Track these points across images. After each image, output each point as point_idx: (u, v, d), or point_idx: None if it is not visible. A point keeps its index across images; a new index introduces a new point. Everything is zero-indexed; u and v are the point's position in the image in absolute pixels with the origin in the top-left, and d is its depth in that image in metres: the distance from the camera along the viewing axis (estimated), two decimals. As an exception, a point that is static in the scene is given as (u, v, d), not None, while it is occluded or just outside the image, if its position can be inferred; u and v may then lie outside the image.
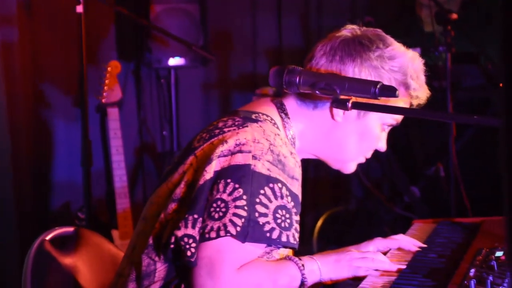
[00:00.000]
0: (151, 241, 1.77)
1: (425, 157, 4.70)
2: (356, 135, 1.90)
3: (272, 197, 1.71)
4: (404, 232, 2.23)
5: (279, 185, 1.72)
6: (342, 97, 1.79)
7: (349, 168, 1.96)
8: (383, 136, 1.96)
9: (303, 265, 1.75)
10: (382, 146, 1.96)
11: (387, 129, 1.97)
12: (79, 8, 3.48)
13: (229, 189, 1.68)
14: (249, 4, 4.90)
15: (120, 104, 3.91)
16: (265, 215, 1.69)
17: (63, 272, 2.04)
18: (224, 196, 1.68)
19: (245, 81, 4.87)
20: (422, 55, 4.10)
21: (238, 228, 1.66)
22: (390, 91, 1.77)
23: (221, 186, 1.69)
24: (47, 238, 2.03)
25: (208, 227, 1.67)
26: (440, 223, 2.29)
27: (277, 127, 1.85)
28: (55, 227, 2.13)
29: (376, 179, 4.81)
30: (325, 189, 4.94)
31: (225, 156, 1.72)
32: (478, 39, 4.02)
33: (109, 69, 3.87)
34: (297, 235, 1.76)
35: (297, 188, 1.78)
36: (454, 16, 3.83)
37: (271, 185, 1.71)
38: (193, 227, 1.68)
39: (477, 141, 4.26)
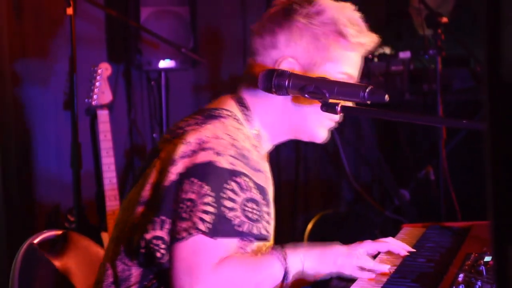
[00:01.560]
0: (122, 247, 1.78)
1: (415, 160, 4.70)
2: (313, 105, 1.87)
3: (238, 191, 1.71)
4: (394, 236, 2.23)
5: (245, 178, 1.72)
6: (331, 101, 1.79)
7: (320, 136, 1.94)
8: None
9: (285, 257, 1.75)
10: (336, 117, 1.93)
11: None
12: (69, 10, 3.47)
13: (195, 188, 1.68)
14: (239, 6, 4.90)
15: (110, 107, 3.89)
16: (233, 209, 1.69)
17: (51, 275, 2.03)
18: (191, 196, 1.68)
19: (236, 83, 4.86)
20: (413, 58, 4.15)
21: (208, 225, 1.66)
22: (379, 95, 1.77)
23: (187, 186, 1.69)
24: (35, 241, 2.02)
25: (179, 228, 1.67)
26: (429, 228, 2.28)
27: (240, 122, 1.85)
28: (44, 229, 2.12)
29: (366, 182, 4.82)
30: (315, 192, 4.94)
31: (188, 156, 1.72)
32: (467, 42, 4.03)
33: (99, 71, 3.86)
34: (269, 227, 1.77)
35: (263, 181, 1.78)
36: (444, 19, 3.84)
37: (236, 178, 1.71)
38: (161, 228, 1.69)
39: (468, 144, 4.27)
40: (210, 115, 1.82)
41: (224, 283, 1.68)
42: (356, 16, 1.91)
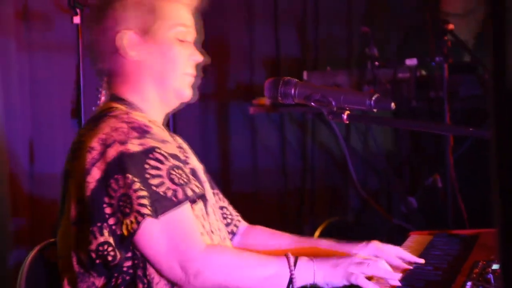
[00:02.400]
0: (77, 270, 1.80)
1: (423, 167, 4.69)
2: (158, 59, 1.91)
3: (158, 165, 1.75)
4: (401, 243, 2.23)
5: (158, 150, 1.76)
6: (337, 109, 1.79)
7: (183, 94, 1.96)
8: (188, 47, 1.96)
9: (295, 263, 1.75)
10: (196, 56, 1.96)
11: (187, 37, 1.96)
12: (76, 19, 3.48)
13: (121, 183, 1.71)
14: (246, 15, 4.91)
15: (117, 115, 3.90)
16: (162, 183, 1.73)
17: (58, 283, 2.03)
18: (122, 191, 1.71)
19: (242, 91, 4.87)
20: (419, 65, 4.14)
21: (149, 207, 1.70)
22: (385, 103, 1.77)
23: (114, 186, 1.72)
24: (43, 249, 2.03)
25: (128, 223, 1.70)
26: (436, 235, 2.28)
27: (127, 110, 1.87)
28: (50, 237, 2.12)
29: (373, 190, 4.80)
30: (322, 200, 4.94)
31: (97, 160, 1.74)
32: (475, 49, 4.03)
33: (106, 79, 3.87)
34: (198, 183, 1.82)
35: (173, 149, 1.82)
36: (451, 26, 3.84)
37: (151, 155, 1.75)
38: (102, 234, 1.72)
39: (475, 152, 4.25)
40: (99, 117, 1.84)
41: (212, 262, 1.73)
42: None
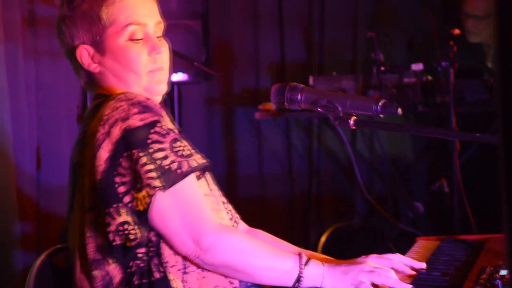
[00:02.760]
0: (92, 257, 1.80)
1: (429, 172, 4.69)
2: (117, 65, 1.90)
3: (161, 138, 1.75)
4: (408, 249, 2.22)
5: (159, 124, 1.76)
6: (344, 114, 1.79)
7: (155, 91, 1.92)
8: (150, 40, 1.91)
9: (306, 263, 1.76)
10: (156, 49, 1.91)
11: (143, 34, 1.91)
12: (82, 25, 3.49)
13: (129, 159, 1.73)
14: (252, 19, 4.91)
15: (123, 120, 3.90)
16: (165, 157, 1.74)
17: (65, 289, 2.03)
18: (132, 168, 1.72)
19: (248, 96, 4.87)
20: (425, 70, 4.14)
21: (158, 180, 1.71)
22: (392, 109, 1.77)
23: (124, 164, 1.73)
24: (50, 254, 2.03)
25: (141, 198, 1.72)
26: (443, 241, 2.27)
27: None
28: (58, 242, 2.13)
29: (380, 194, 4.80)
30: (328, 205, 4.93)
31: (103, 141, 1.75)
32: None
33: (112, 85, 3.87)
34: (202, 155, 1.82)
35: (171, 124, 1.82)
36: (457, 31, 3.84)
37: (153, 130, 1.75)
38: (119, 214, 1.72)
39: (481, 156, 4.25)
40: (97, 104, 1.86)
41: (225, 241, 1.75)
42: None
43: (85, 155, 1.81)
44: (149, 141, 1.73)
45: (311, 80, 4.40)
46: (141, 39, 1.89)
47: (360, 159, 4.67)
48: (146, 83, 1.90)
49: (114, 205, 1.73)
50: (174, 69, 4.35)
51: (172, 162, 1.74)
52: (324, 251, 4.63)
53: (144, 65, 1.89)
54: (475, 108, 4.21)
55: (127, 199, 1.73)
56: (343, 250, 4.61)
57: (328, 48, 4.88)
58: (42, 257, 2.00)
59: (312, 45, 4.90)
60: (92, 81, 1.94)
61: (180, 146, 1.77)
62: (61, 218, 4.26)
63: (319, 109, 1.81)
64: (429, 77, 4.24)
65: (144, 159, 1.72)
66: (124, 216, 1.73)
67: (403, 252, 2.23)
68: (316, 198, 4.89)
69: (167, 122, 1.80)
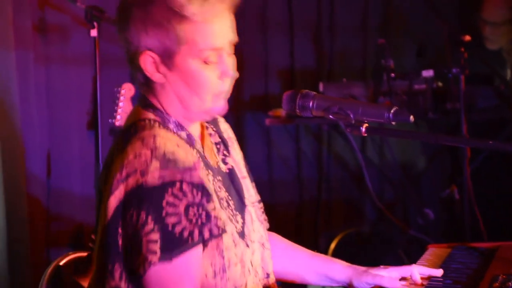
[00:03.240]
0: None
1: (440, 179, 4.68)
2: (183, 84, 1.80)
3: (176, 201, 1.67)
4: (418, 255, 2.22)
5: (178, 185, 1.68)
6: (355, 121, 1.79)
7: (214, 111, 1.88)
8: (224, 64, 1.82)
9: None
10: (228, 73, 1.83)
11: (217, 58, 1.81)
12: (93, 32, 3.50)
13: (134, 219, 1.66)
14: (261, 26, 4.91)
15: (133, 127, 3.90)
16: (179, 222, 1.67)
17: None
18: (134, 228, 1.66)
19: (258, 102, 4.87)
20: (436, 76, 4.13)
21: (158, 253, 1.65)
22: (404, 116, 1.77)
23: (128, 219, 1.68)
24: (61, 263, 2.03)
25: (136, 263, 1.67)
26: (455, 248, 2.26)
27: (156, 125, 1.78)
28: (68, 249, 2.13)
29: (390, 201, 4.79)
30: (338, 211, 4.92)
31: (117, 187, 1.70)
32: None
33: (122, 91, 3.87)
34: (220, 222, 1.73)
35: (199, 177, 1.72)
36: (468, 37, 3.83)
37: (170, 190, 1.67)
38: (121, 278, 1.69)
39: (492, 163, 4.24)
40: (128, 136, 1.77)
41: None
42: None
43: (102, 191, 1.77)
44: (163, 203, 1.66)
45: (321, 87, 4.39)
46: (215, 62, 1.81)
47: (370, 165, 4.66)
48: (208, 106, 1.84)
49: (116, 263, 1.69)
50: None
51: (184, 229, 1.67)
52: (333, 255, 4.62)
53: (212, 88, 1.82)
54: (486, 115, 4.20)
55: (123, 255, 1.69)
56: (353, 257, 4.59)
57: (338, 54, 4.88)
58: (52, 266, 2.00)
59: (322, 51, 4.90)
60: (149, 86, 1.83)
61: (195, 212, 1.68)
62: (71, 223, 4.27)
63: (330, 116, 1.81)
64: (440, 84, 4.24)
65: (150, 226, 1.65)
66: (117, 281, 1.69)
67: (414, 259, 2.23)
68: (325, 205, 4.89)
69: (193, 176, 1.70)
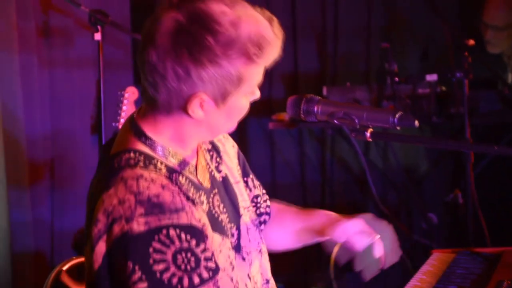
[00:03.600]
0: None
1: (443, 183, 4.67)
2: (224, 118, 1.77)
3: (163, 248, 1.61)
4: (421, 259, 2.22)
5: (164, 231, 1.61)
6: (360, 126, 1.79)
7: (227, 130, 1.87)
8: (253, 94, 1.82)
9: None
10: (254, 96, 1.82)
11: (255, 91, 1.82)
12: (97, 36, 3.50)
13: (121, 268, 1.62)
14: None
15: (137, 130, 3.90)
16: (167, 269, 1.61)
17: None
18: (122, 277, 1.62)
19: (261, 106, 4.87)
20: (440, 81, 4.12)
21: None
22: (409, 121, 1.76)
23: (116, 269, 1.63)
24: (64, 268, 2.03)
25: None
26: (459, 253, 2.26)
27: (143, 159, 1.72)
28: (71, 253, 2.13)
29: (393, 205, 4.78)
30: (341, 215, 4.91)
31: (104, 233, 1.65)
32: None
33: (126, 95, 3.88)
34: (210, 264, 1.66)
35: (187, 217, 1.66)
36: (471, 42, 3.83)
37: (156, 237, 1.61)
38: None
39: (496, 168, 4.23)
40: (111, 174, 1.70)
41: None
42: (256, 28, 1.74)
43: (87, 233, 1.72)
44: (150, 250, 1.61)
45: (324, 91, 4.39)
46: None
47: (373, 169, 4.66)
48: (229, 131, 1.85)
49: None
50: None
51: (173, 275, 1.61)
52: (337, 262, 4.61)
53: (239, 117, 1.82)
54: (490, 119, 4.20)
55: None
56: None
57: (342, 58, 4.87)
58: (56, 270, 2.01)
59: (326, 55, 4.90)
60: (164, 113, 1.75)
61: (184, 258, 1.62)
62: (76, 229, 4.27)
63: (335, 121, 1.80)
64: (443, 88, 4.24)
65: (138, 274, 1.60)
66: None
67: (417, 263, 2.23)
68: (329, 209, 4.82)
69: (180, 219, 1.64)
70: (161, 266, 1.60)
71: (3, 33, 3.79)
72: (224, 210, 1.85)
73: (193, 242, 1.65)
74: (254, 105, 5.11)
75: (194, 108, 1.71)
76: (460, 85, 3.89)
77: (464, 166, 3.85)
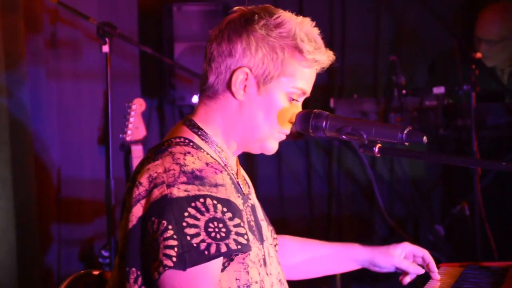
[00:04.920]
0: None
1: (450, 195, 4.66)
2: (262, 110, 1.86)
3: (198, 215, 1.70)
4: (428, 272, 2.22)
5: (202, 200, 1.71)
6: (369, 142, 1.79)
7: (269, 147, 1.92)
8: (296, 108, 1.92)
9: None
10: (292, 121, 1.91)
11: (299, 99, 1.93)
12: (105, 48, 3.52)
13: (155, 226, 1.70)
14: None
15: (144, 142, 3.92)
16: (197, 234, 1.69)
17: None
18: (154, 236, 1.70)
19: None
20: (447, 93, 4.13)
21: (174, 259, 1.67)
22: (417, 137, 1.77)
23: (149, 228, 1.71)
24: (73, 281, 2.03)
25: (152, 269, 1.69)
26: (467, 267, 2.26)
27: (192, 145, 1.83)
28: (77, 264, 2.13)
29: (400, 217, 4.78)
30: (348, 227, 4.91)
31: (143, 197, 1.74)
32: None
33: (133, 107, 3.89)
34: (241, 238, 1.73)
35: (226, 193, 1.75)
36: (479, 55, 3.83)
37: (193, 204, 1.71)
38: (135, 281, 1.73)
39: (503, 180, 4.22)
40: (160, 150, 1.81)
41: None
42: (314, 32, 1.90)
43: (126, 200, 1.80)
44: (185, 214, 1.69)
45: (332, 103, 4.39)
46: (294, 104, 1.90)
47: (380, 181, 4.66)
48: (269, 140, 1.90)
49: (133, 268, 1.73)
50: (194, 91, 4.37)
51: (202, 241, 1.69)
52: (344, 274, 4.61)
53: (281, 125, 1.89)
54: (497, 132, 4.20)
55: (142, 259, 1.73)
56: (363, 272, 4.58)
57: (349, 70, 4.87)
58: (65, 284, 2.01)
59: (333, 67, 4.89)
60: (216, 97, 1.88)
61: (216, 227, 1.70)
62: (82, 239, 4.28)
63: (343, 136, 1.81)
64: (451, 101, 4.24)
65: (170, 233, 1.68)
66: (133, 285, 1.73)
67: (424, 275, 2.23)
68: (336, 220, 4.88)
69: (220, 192, 1.73)
70: (192, 231, 1.69)
71: (12, 45, 3.81)
72: (255, 227, 1.90)
73: (228, 215, 1.73)
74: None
75: (237, 82, 1.83)
76: (467, 97, 3.89)
77: (471, 178, 3.85)
